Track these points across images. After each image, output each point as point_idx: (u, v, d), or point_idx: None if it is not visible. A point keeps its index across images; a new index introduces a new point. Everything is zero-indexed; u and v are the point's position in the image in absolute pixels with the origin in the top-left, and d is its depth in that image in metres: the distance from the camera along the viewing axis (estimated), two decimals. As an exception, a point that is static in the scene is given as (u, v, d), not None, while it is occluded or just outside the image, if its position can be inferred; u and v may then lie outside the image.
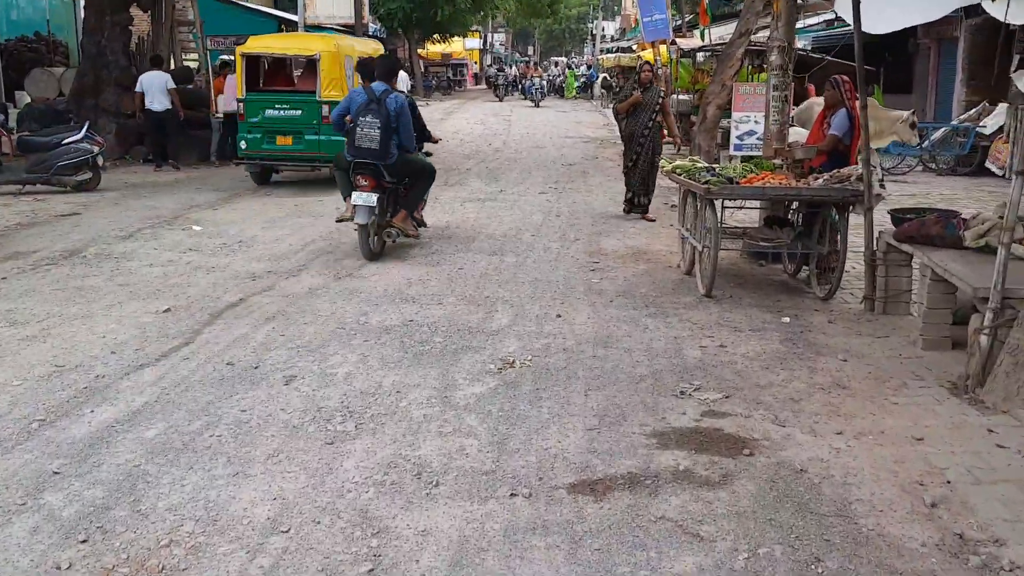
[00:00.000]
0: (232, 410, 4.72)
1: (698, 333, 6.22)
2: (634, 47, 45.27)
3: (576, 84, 47.88)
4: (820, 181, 7.05)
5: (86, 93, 16.36)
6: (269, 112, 12.78)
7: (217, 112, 15.90)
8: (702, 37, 19.81)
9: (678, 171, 7.93)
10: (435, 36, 47.53)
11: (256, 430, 4.47)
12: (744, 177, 7.58)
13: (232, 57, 15.05)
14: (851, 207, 6.98)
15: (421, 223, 9.20)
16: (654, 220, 10.42)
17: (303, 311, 6.65)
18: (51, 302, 6.80)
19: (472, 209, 11.49)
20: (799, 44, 19.61)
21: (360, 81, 8.96)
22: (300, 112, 12.68)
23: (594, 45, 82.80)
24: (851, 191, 6.80)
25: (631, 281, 7.74)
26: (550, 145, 20.83)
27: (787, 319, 6.58)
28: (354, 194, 8.29)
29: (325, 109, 12.21)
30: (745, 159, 14.48)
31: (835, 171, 7.07)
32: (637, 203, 10.66)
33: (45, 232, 9.60)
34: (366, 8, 35.91)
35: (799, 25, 23.09)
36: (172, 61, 16.33)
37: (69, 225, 10.04)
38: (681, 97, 21.19)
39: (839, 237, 7.03)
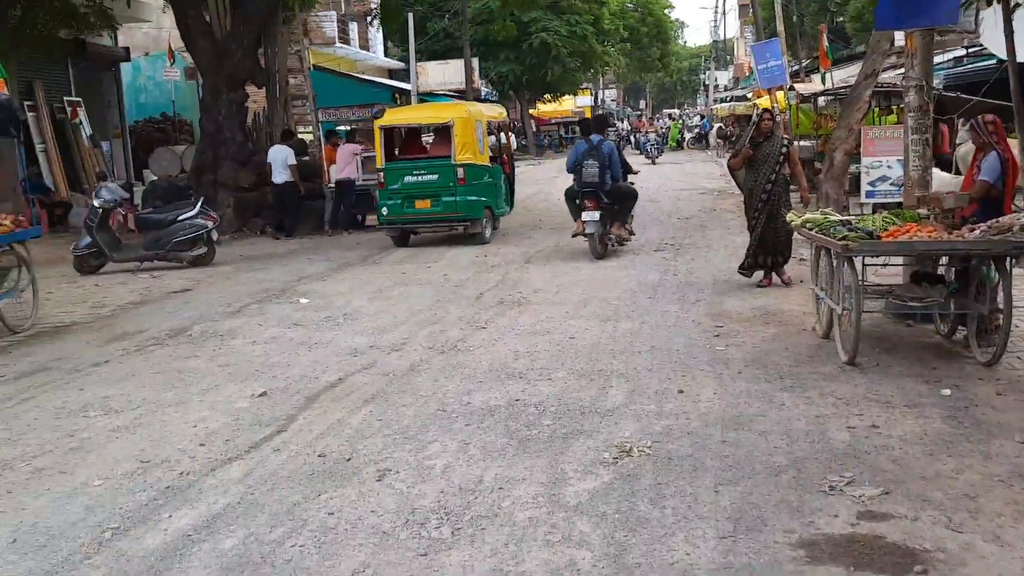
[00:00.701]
0: (319, 513, 4.26)
1: (843, 410, 5.44)
2: (749, 95, 44.31)
3: (679, 135, 47.03)
4: (977, 232, 6.20)
5: (205, 169, 16.79)
6: (408, 179, 13.61)
7: (330, 182, 16.00)
8: (823, 81, 18.90)
9: (809, 226, 7.20)
10: (546, 96, 47.88)
11: (343, 538, 3.99)
12: (886, 230, 6.80)
13: (341, 128, 15.22)
14: (1014, 260, 6.10)
15: (631, 232, 12.45)
16: (790, 284, 9.37)
17: (403, 391, 6.22)
18: (149, 387, 6.59)
19: (585, 271, 10.95)
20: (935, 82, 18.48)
21: (579, 134, 13.38)
22: (437, 176, 13.48)
23: (707, 96, 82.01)
24: (1015, 243, 5.93)
25: (761, 348, 7.01)
26: (664, 199, 20.17)
27: (947, 391, 5.71)
28: (584, 214, 11.53)
29: (460, 172, 13.31)
30: (878, 207, 13.51)
31: (994, 221, 6.22)
32: (763, 264, 9.44)
33: (155, 310, 9.59)
34: (476, 73, 36.35)
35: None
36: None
37: (180, 302, 10.02)
38: (803, 143, 20.27)
39: (1002, 294, 6.15)
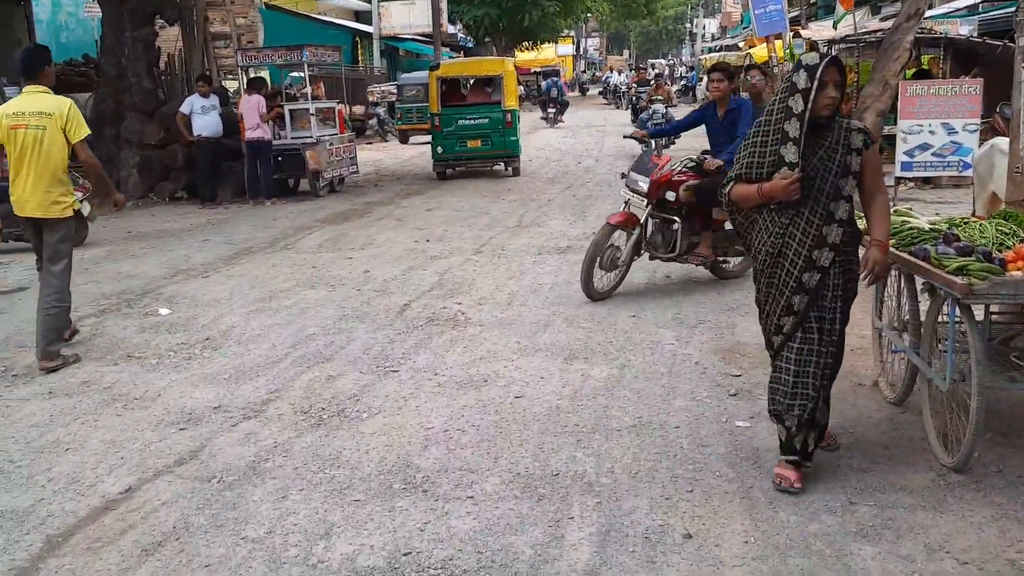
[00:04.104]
0: None
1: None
2: (740, 45, 41.46)
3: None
4: None
5: (105, 121, 13.98)
6: (461, 121, 15.61)
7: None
8: (834, 25, 16.23)
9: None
10: (524, 43, 44.75)
11: None
12: (1008, 248, 4.29)
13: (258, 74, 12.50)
14: None
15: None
16: (837, 447, 4.18)
17: (218, 525, 3.68)
18: None
19: (549, 267, 8.39)
20: (963, 30, 15.85)
21: None
22: (488, 120, 15.62)
23: (692, 45, 78.83)
24: None
25: (805, 427, 4.51)
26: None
27: None
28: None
29: (508, 116, 15.59)
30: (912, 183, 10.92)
31: None
32: (795, 436, 3.99)
33: (-48, 325, 6.97)
34: (444, 16, 33.25)
35: (951, 7, 19.19)
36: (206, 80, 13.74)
37: (-1, 309, 7.41)
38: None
39: None
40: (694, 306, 6.92)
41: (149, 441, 4.57)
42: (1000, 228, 4.62)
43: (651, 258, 7.41)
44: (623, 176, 7.56)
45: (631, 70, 42.98)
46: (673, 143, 17.62)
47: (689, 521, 3.61)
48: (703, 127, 7.43)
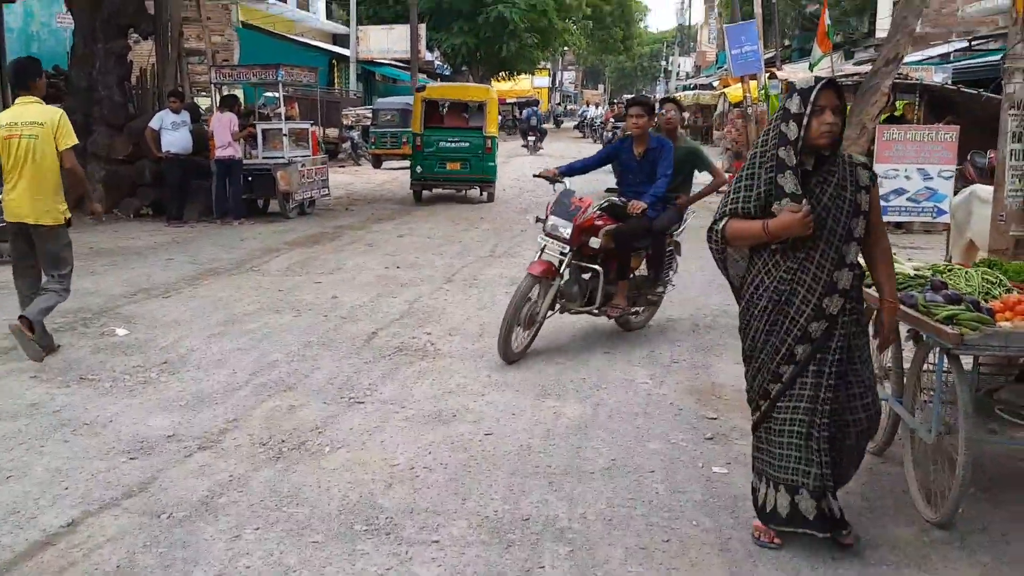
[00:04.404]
0: None
1: None
2: (715, 84, 41.93)
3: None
4: None
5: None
6: (442, 144, 15.86)
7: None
8: (811, 68, 16.38)
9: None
10: (501, 74, 44.92)
11: None
12: (994, 298, 4.21)
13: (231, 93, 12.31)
14: None
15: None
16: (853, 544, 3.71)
17: (167, 564, 3.44)
18: None
19: (522, 299, 8.23)
20: (937, 77, 16.05)
21: None
22: (468, 144, 15.91)
23: (667, 82, 79.74)
24: None
25: (784, 475, 4.36)
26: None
27: None
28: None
29: (488, 142, 15.91)
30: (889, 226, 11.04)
31: None
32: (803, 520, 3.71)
33: None
34: (422, 43, 33.28)
35: (924, 55, 19.46)
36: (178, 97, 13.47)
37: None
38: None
39: None
40: (668, 344, 6.79)
41: (97, 471, 4.31)
42: (986, 276, 4.55)
43: (562, 311, 6.57)
44: (539, 220, 6.67)
45: (607, 105, 43.06)
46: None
47: (665, 573, 3.44)
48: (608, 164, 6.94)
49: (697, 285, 8.97)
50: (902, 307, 4.00)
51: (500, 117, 49.35)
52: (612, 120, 26.29)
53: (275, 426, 4.94)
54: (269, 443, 4.69)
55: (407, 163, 23.09)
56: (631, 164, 6.72)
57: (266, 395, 5.47)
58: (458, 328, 7.15)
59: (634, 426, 5.02)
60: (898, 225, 12.23)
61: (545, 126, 37.76)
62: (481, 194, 16.71)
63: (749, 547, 3.64)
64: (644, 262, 7.09)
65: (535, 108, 32.24)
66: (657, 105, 8.55)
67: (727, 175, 8.30)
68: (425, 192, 16.74)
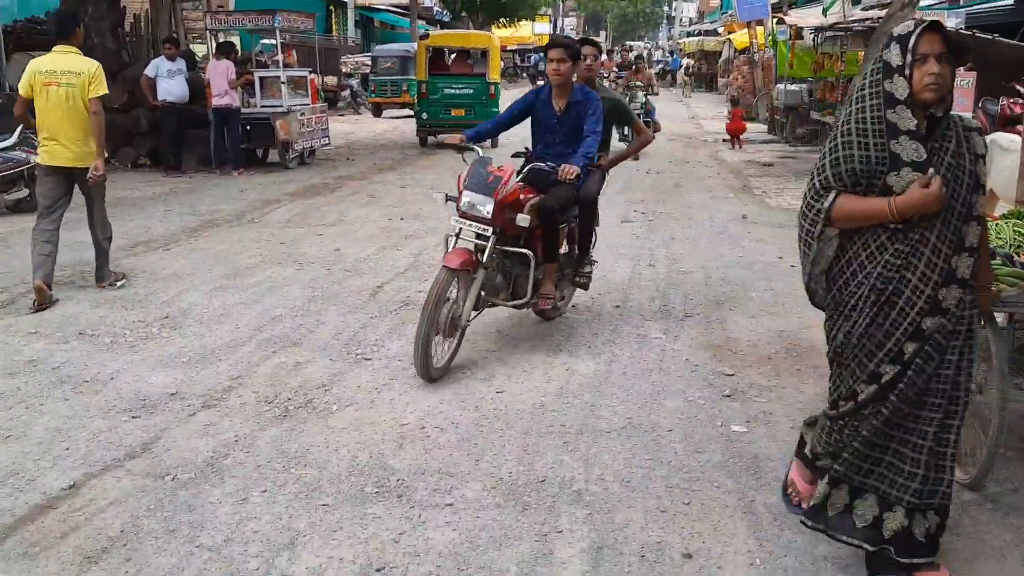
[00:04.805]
0: None
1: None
2: (720, 30, 41.25)
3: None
4: None
5: (66, 83, 13.33)
6: (447, 90, 16.22)
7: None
8: (825, 12, 15.97)
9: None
10: (501, 20, 44.18)
11: None
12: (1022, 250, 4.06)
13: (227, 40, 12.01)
14: None
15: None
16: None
17: (170, 531, 3.33)
18: None
19: (529, 251, 8.06)
20: (950, 22, 15.67)
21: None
22: (472, 90, 16.28)
23: (669, 29, 78.51)
24: None
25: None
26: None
27: None
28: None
29: (492, 88, 16.29)
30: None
31: None
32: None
33: None
34: (422, -13, 32.61)
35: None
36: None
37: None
38: (790, 87, 17.48)
39: None
40: (681, 298, 6.64)
41: (98, 430, 4.19)
42: (1017, 229, 4.39)
43: (487, 306, 5.36)
44: (450, 199, 5.21)
45: (605, 54, 40.59)
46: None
47: (688, 538, 3.33)
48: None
49: (706, 236, 8.80)
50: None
51: (501, 64, 48.66)
52: (615, 71, 24.32)
53: (281, 383, 4.81)
54: (275, 401, 4.56)
55: (407, 111, 22.95)
56: (550, 121, 5.48)
57: (270, 351, 5.33)
58: (465, 281, 6.98)
59: (649, 383, 4.89)
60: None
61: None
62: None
63: (774, 510, 3.52)
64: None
65: (541, 54, 32.45)
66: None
67: (652, 134, 6.97)
68: (430, 138, 16.78)
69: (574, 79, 5.52)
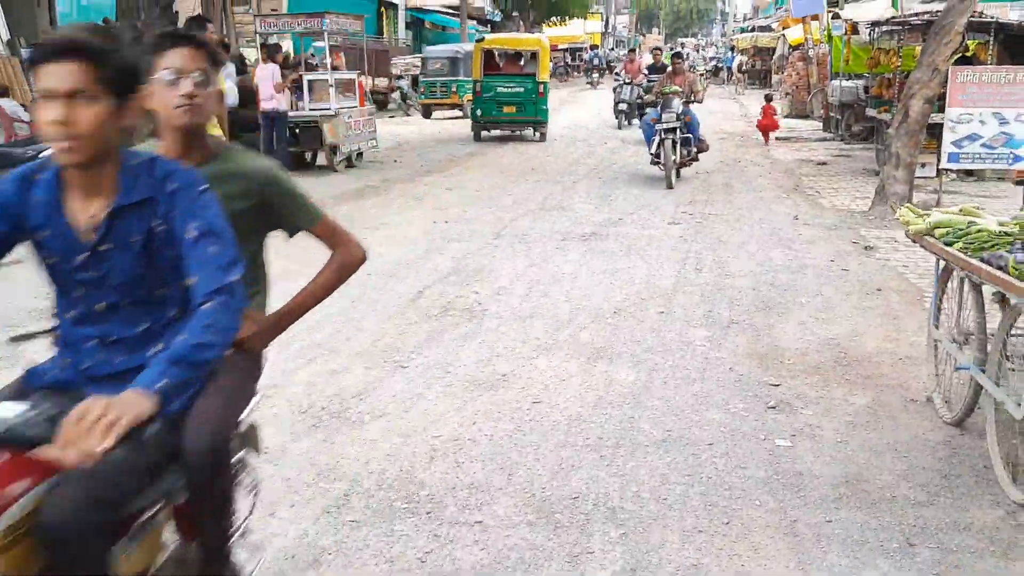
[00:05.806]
0: None
1: None
2: (773, 26, 40.55)
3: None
4: None
5: (121, 88, 13.58)
6: (500, 88, 17.57)
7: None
8: (895, 5, 15.50)
9: (942, 234, 4.23)
10: (552, 18, 44.05)
11: None
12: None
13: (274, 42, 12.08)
14: None
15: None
16: None
17: (198, 545, 3.29)
18: None
19: (572, 255, 7.95)
20: (1013, 15, 15.14)
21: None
22: (523, 89, 17.55)
23: (724, 24, 77.55)
24: None
25: (851, 449, 4.06)
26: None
27: None
28: None
29: (541, 87, 17.57)
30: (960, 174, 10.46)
31: None
32: None
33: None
34: (473, -12, 32.65)
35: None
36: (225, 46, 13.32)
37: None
38: (845, 83, 17.05)
39: None
40: (727, 304, 6.45)
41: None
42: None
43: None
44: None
45: (630, 54, 26.09)
46: None
47: (726, 560, 3.19)
48: None
49: (755, 239, 8.58)
50: (987, 268, 3.65)
51: (551, 64, 48.87)
52: (644, 73, 18.90)
53: (316, 392, 4.77)
54: (309, 411, 4.52)
55: (458, 113, 22.98)
56: (70, 254, 2.10)
57: (308, 358, 5.30)
58: (507, 287, 6.90)
59: (691, 393, 4.74)
60: (968, 173, 11.63)
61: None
62: (534, 134, 18.21)
63: (818, 531, 3.37)
64: None
65: (597, 50, 43.94)
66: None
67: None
68: (484, 132, 18.29)
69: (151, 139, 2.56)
